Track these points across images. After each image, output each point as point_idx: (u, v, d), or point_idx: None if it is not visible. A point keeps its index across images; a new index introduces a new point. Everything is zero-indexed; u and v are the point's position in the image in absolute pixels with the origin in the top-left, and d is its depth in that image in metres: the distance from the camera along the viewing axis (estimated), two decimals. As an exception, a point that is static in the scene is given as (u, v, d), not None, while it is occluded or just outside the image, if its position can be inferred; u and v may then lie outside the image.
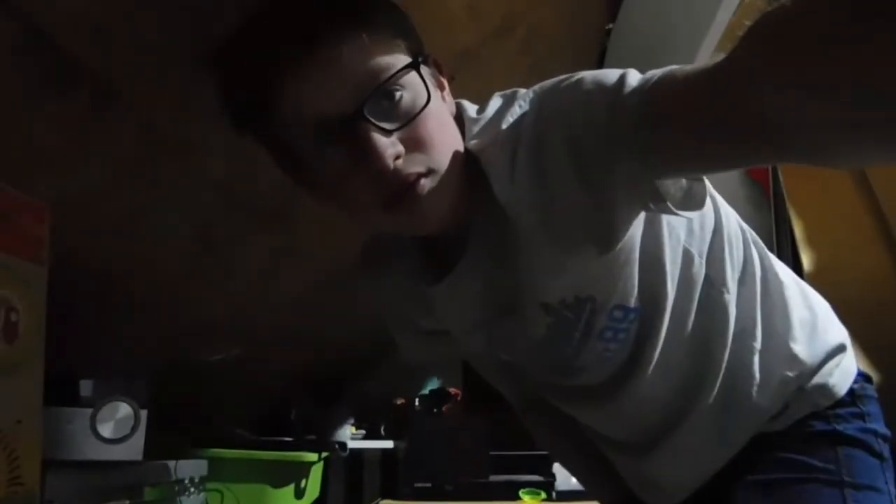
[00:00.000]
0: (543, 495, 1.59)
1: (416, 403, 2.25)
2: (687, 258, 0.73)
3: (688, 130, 0.53)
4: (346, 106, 0.59)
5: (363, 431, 2.16)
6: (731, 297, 0.76)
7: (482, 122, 0.67)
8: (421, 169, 0.61)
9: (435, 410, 2.14)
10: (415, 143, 0.61)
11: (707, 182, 0.65)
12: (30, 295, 0.80)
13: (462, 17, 1.07)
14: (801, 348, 0.78)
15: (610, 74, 0.57)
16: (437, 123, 0.64)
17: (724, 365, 0.76)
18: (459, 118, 0.69)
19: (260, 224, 1.14)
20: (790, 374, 0.77)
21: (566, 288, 0.69)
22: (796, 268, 2.34)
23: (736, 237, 0.78)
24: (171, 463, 1.13)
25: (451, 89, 0.71)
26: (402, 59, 0.62)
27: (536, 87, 0.65)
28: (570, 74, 0.61)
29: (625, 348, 0.75)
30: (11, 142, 0.72)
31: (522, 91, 0.67)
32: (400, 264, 0.79)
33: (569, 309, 0.71)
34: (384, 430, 2.15)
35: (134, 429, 1.00)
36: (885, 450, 0.77)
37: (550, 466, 1.65)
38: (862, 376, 0.80)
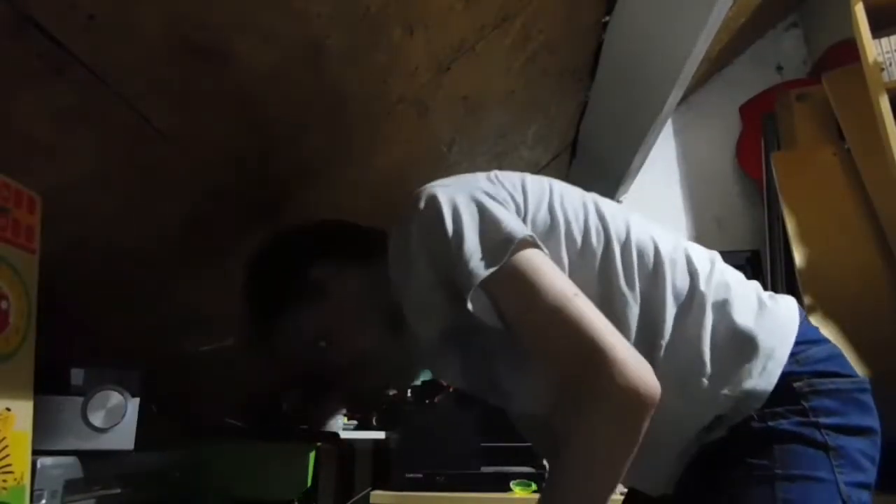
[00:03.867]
0: (534, 487, 1.60)
1: (409, 395, 2.26)
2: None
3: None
4: None
5: (355, 422, 2.17)
6: (629, 302, 0.84)
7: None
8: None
9: (427, 402, 2.14)
10: None
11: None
12: (20, 283, 0.79)
13: (458, 7, 1.06)
14: (714, 359, 0.82)
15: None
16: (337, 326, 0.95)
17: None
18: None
19: (252, 215, 1.13)
20: (705, 381, 0.81)
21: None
22: (788, 264, 2.35)
23: (644, 250, 0.87)
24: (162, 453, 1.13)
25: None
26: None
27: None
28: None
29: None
30: (2, 132, 0.71)
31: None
32: None
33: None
34: (376, 420, 2.15)
35: (125, 417, 1.00)
36: (834, 439, 0.78)
37: (541, 458, 1.65)
38: (812, 373, 0.82)
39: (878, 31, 1.92)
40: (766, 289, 0.91)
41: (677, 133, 2.89)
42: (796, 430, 0.78)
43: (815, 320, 1.96)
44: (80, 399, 0.97)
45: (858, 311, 1.93)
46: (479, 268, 0.76)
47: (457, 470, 1.64)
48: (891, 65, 1.88)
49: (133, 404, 1.01)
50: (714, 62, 2.67)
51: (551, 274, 0.78)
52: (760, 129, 2.70)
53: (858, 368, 0.86)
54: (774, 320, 0.85)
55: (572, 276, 0.84)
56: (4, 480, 0.75)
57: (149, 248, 1.03)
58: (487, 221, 0.80)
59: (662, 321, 0.83)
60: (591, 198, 0.94)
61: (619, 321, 0.82)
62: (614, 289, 0.84)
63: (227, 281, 1.25)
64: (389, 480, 1.70)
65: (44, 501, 0.84)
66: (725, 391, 0.81)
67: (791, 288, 2.27)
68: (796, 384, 0.80)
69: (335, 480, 1.96)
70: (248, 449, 1.42)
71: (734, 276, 0.90)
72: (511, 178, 0.92)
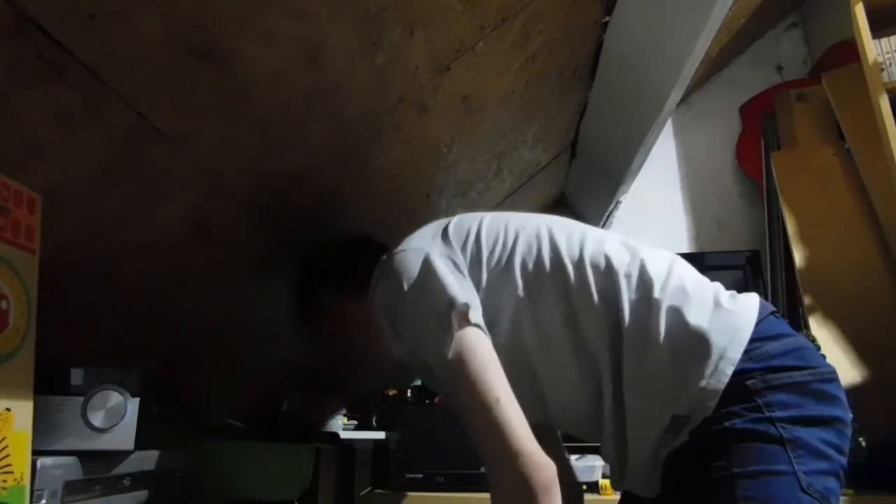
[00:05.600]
0: (534, 487, 1.60)
1: (409, 394, 2.25)
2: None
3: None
4: None
5: (355, 422, 2.16)
6: (592, 317, 0.91)
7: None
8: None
9: (427, 402, 2.14)
10: None
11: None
12: (20, 283, 0.79)
13: (458, 7, 1.06)
14: (671, 361, 0.86)
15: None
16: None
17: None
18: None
19: (251, 214, 1.13)
20: (662, 382, 0.86)
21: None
22: (788, 264, 2.35)
23: (597, 268, 0.93)
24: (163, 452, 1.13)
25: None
26: None
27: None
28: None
29: None
30: (2, 132, 0.71)
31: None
32: None
33: None
34: (376, 421, 2.15)
35: (125, 417, 1.00)
36: (790, 431, 0.80)
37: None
38: (766, 368, 0.83)
39: (878, 31, 1.92)
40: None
41: (677, 133, 2.89)
42: (751, 427, 0.80)
43: (814, 320, 1.96)
44: (80, 399, 0.97)
45: (858, 311, 1.93)
46: (433, 350, 0.87)
47: (457, 470, 1.64)
48: (891, 65, 1.88)
49: (133, 404, 1.01)
50: (714, 62, 2.67)
51: (482, 371, 0.85)
52: (760, 130, 2.70)
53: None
54: (728, 320, 0.87)
55: (532, 305, 0.93)
56: (4, 480, 0.75)
57: (149, 247, 1.03)
58: (433, 291, 0.90)
59: (623, 331, 0.88)
60: (547, 225, 1.00)
61: (588, 334, 0.90)
62: (576, 308, 0.91)
63: (228, 281, 1.25)
64: (389, 480, 1.70)
65: (44, 501, 0.84)
66: (680, 391, 0.84)
67: (791, 288, 2.27)
68: (749, 381, 0.82)
69: (335, 480, 1.96)
70: (248, 449, 1.42)
71: (693, 280, 0.92)
72: (467, 227, 1.01)
